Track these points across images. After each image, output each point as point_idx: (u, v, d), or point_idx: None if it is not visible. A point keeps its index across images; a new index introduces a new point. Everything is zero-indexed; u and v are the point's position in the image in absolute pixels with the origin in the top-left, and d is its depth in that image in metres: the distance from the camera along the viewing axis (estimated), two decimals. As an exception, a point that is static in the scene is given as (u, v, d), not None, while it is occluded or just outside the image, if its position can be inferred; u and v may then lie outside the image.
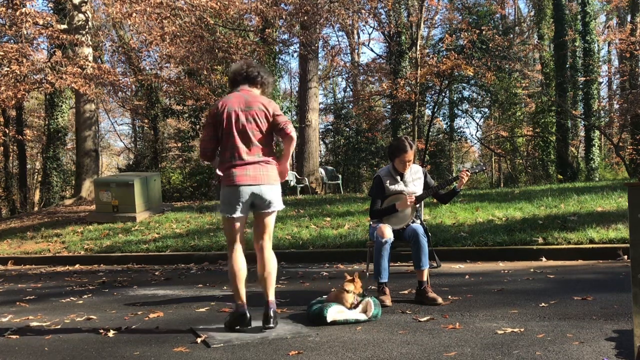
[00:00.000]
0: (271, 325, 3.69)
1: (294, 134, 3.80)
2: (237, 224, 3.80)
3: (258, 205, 3.79)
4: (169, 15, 11.75)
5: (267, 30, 15.11)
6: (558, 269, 5.63)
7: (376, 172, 4.87)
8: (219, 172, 3.84)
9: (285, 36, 17.49)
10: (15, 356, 3.47)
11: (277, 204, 3.84)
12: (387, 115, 25.08)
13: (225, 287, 5.61)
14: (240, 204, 3.74)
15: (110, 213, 10.85)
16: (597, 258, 6.03)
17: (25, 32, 11.78)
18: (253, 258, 3.92)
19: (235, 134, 3.74)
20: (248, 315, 3.74)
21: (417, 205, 4.70)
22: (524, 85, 22.17)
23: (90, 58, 13.82)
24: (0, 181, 22.84)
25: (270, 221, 3.87)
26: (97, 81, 12.22)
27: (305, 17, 13.41)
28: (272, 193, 3.79)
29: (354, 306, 3.98)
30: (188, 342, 3.58)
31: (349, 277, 4.13)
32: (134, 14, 11.58)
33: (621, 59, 25.78)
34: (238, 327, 3.75)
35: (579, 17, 21.38)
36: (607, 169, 25.32)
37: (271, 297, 3.77)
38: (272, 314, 3.71)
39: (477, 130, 27.16)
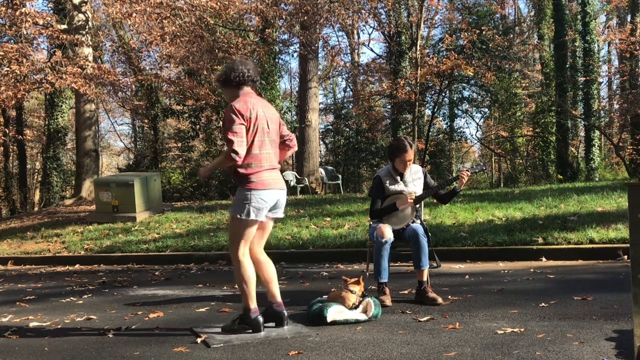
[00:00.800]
0: (286, 325, 3.79)
1: (297, 147, 4.07)
2: (257, 227, 3.81)
3: (273, 209, 3.84)
4: (169, 15, 11.75)
5: (267, 30, 15.11)
6: (558, 269, 5.63)
7: (376, 173, 4.87)
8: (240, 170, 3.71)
9: (285, 36, 17.51)
10: (15, 356, 3.48)
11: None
12: (387, 115, 25.08)
13: (225, 287, 5.61)
14: (266, 208, 3.75)
15: (110, 213, 10.85)
16: (597, 258, 6.03)
17: (25, 32, 11.77)
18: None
19: (267, 138, 3.75)
20: (261, 320, 3.74)
21: (417, 205, 4.70)
22: (524, 85, 22.17)
23: (90, 58, 13.82)
24: (0, 181, 22.84)
25: (272, 225, 4.03)
26: (97, 81, 12.22)
27: (305, 17, 13.41)
28: (285, 198, 3.94)
29: (354, 306, 3.98)
30: (188, 342, 3.58)
31: (352, 280, 4.13)
32: (134, 14, 11.58)
33: (621, 59, 25.78)
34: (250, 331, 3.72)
35: (579, 17, 21.38)
36: (607, 169, 25.32)
37: (280, 299, 3.87)
38: (285, 313, 3.84)
39: (477, 130, 27.20)
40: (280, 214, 3.92)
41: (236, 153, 3.57)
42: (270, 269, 3.87)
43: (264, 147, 3.72)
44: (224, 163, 3.75)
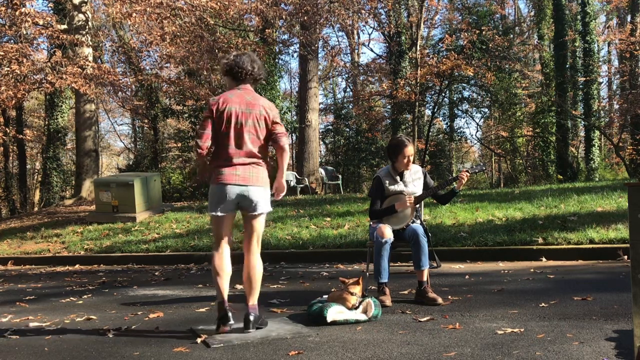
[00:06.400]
0: (250, 329, 3.66)
1: (286, 146, 3.80)
2: (223, 223, 3.80)
3: (244, 206, 3.76)
4: (169, 15, 11.75)
5: (267, 30, 15.11)
6: (558, 269, 5.63)
7: (376, 173, 4.87)
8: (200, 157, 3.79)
9: (285, 36, 17.51)
10: (15, 356, 3.47)
11: (264, 206, 3.79)
12: (387, 115, 25.09)
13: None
14: (225, 203, 3.74)
15: (110, 213, 10.85)
16: (597, 258, 6.03)
17: (25, 32, 11.77)
18: (240, 259, 3.93)
19: (232, 134, 3.73)
20: (229, 314, 3.69)
21: (417, 206, 4.70)
22: (524, 85, 22.18)
23: (90, 58, 13.82)
24: (0, 181, 22.85)
25: (257, 224, 3.82)
26: (97, 81, 12.22)
27: (305, 17, 13.41)
28: (259, 195, 3.75)
29: (354, 307, 3.98)
30: (188, 342, 3.58)
31: (351, 280, 4.12)
32: (134, 14, 11.58)
33: (621, 59, 25.79)
34: (221, 326, 3.69)
35: (579, 17, 21.39)
36: (607, 169, 25.32)
37: (251, 302, 3.73)
38: (251, 318, 3.69)
39: (477, 131, 27.20)
40: (254, 210, 3.76)
41: (196, 143, 3.75)
42: (248, 270, 3.77)
43: (226, 141, 3.73)
44: (195, 155, 3.86)
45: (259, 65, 3.91)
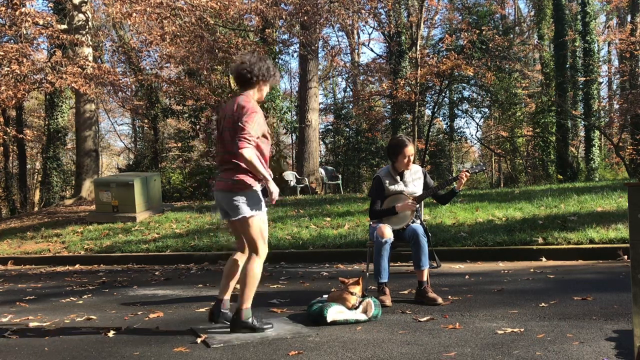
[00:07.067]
0: (226, 323, 3.79)
1: (244, 152, 3.46)
2: (229, 227, 3.96)
3: (226, 212, 3.74)
4: (169, 15, 11.75)
5: (267, 30, 15.11)
6: (558, 269, 5.63)
7: (376, 173, 4.87)
8: None
9: (285, 36, 17.51)
10: (15, 356, 3.47)
11: (238, 211, 3.62)
12: (387, 115, 25.09)
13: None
14: (216, 209, 3.89)
15: (110, 213, 10.85)
16: (597, 258, 6.03)
17: (25, 32, 11.77)
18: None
19: (217, 141, 3.85)
20: (216, 312, 3.84)
21: (417, 205, 4.70)
22: (524, 85, 22.18)
23: (90, 58, 13.83)
24: (0, 181, 22.85)
25: (240, 230, 3.70)
26: (97, 81, 12.22)
27: (305, 17, 13.41)
28: (230, 200, 3.63)
29: (354, 307, 3.98)
30: (188, 342, 3.58)
31: (351, 280, 4.12)
32: (134, 14, 11.57)
33: (621, 59, 25.79)
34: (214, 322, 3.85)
35: (579, 17, 21.40)
36: (607, 169, 25.32)
37: (241, 304, 3.65)
38: (224, 315, 3.84)
39: (477, 131, 27.20)
40: (230, 216, 3.68)
41: None
42: (241, 271, 3.76)
43: (217, 149, 3.84)
44: None
45: (247, 65, 3.71)
